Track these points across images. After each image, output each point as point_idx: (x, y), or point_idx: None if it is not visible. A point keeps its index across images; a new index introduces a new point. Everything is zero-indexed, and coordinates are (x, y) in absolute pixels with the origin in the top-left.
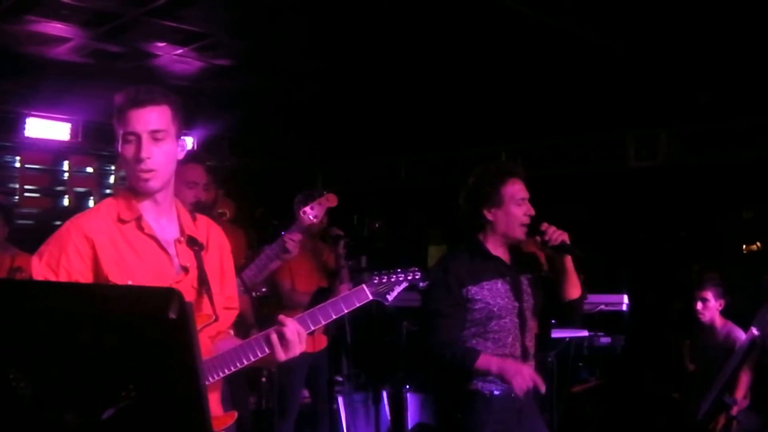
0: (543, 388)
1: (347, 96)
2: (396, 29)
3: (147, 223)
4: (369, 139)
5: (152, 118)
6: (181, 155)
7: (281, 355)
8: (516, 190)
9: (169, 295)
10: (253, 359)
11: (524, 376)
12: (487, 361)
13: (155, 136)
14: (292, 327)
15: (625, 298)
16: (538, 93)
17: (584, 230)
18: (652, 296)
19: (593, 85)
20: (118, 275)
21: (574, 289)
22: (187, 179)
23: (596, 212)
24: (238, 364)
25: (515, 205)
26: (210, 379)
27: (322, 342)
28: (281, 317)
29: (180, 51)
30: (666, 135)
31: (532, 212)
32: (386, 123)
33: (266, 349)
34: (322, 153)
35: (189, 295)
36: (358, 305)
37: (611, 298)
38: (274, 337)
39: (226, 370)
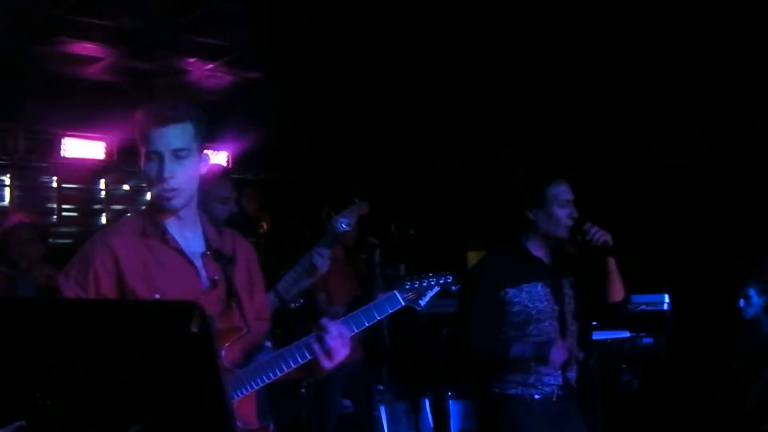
0: (580, 356)
1: (378, 103)
2: (426, 34)
3: (171, 237)
4: (402, 145)
5: (174, 136)
6: (204, 169)
7: (325, 362)
8: (561, 191)
9: (190, 308)
10: (293, 366)
11: (559, 348)
12: (521, 348)
13: (178, 154)
14: (333, 331)
15: (666, 297)
16: (570, 92)
17: (622, 229)
18: (693, 294)
19: (622, 81)
20: (146, 289)
21: (617, 292)
22: (219, 195)
23: (632, 211)
24: (278, 372)
25: (559, 206)
26: (243, 391)
27: (359, 351)
28: (323, 321)
29: (210, 66)
30: (697, 130)
31: (576, 215)
32: (419, 128)
33: (307, 356)
34: (355, 162)
35: (218, 308)
36: (390, 311)
37: (652, 297)
38: (317, 346)
39: (260, 381)
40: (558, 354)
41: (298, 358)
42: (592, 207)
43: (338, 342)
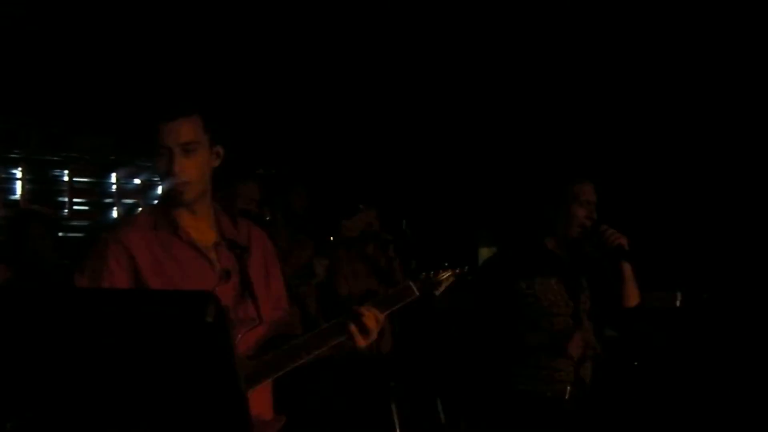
0: (599, 350)
1: (390, 101)
2: (440, 29)
3: (184, 231)
4: (414, 141)
5: (182, 131)
6: (216, 163)
7: (361, 341)
8: (584, 191)
9: (205, 298)
10: (326, 346)
11: (577, 341)
12: (536, 336)
13: (186, 148)
14: (368, 313)
15: (679, 295)
16: (581, 87)
17: (635, 224)
18: (707, 291)
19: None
20: (159, 284)
21: (630, 298)
22: (243, 195)
23: (645, 205)
24: (310, 354)
25: (579, 206)
26: (260, 381)
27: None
28: (355, 307)
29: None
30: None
31: (595, 216)
32: (431, 124)
33: (341, 337)
34: (366, 157)
35: (232, 299)
36: (404, 302)
37: (664, 295)
38: (353, 325)
39: (284, 368)
40: (575, 347)
41: (331, 339)
42: (604, 199)
43: (374, 322)
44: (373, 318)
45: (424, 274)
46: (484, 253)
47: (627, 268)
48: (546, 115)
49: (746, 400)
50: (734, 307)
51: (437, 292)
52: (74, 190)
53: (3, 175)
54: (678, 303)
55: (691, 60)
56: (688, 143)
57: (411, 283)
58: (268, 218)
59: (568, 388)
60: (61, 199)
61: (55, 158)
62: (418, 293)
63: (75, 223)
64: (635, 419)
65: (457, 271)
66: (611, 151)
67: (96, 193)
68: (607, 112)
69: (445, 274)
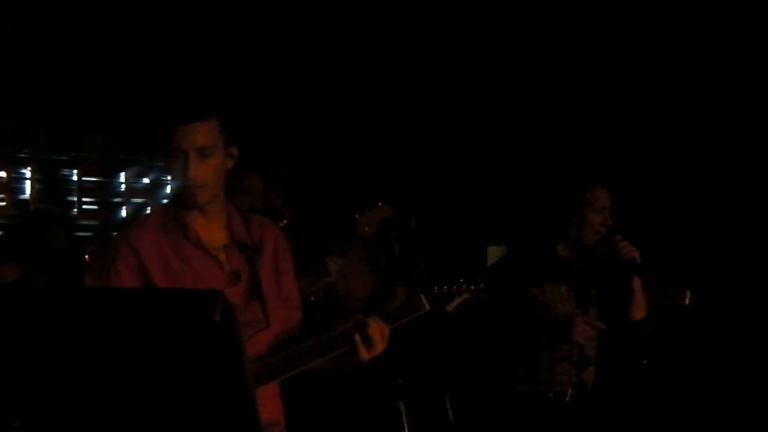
0: (604, 326)
1: (398, 97)
2: (454, 31)
3: (194, 232)
4: (423, 139)
5: (199, 135)
6: (230, 164)
7: (364, 354)
8: (598, 197)
9: (213, 297)
10: (328, 356)
11: (581, 325)
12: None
13: (203, 152)
14: (374, 325)
15: (688, 293)
16: (592, 89)
17: (644, 223)
18: (715, 290)
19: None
20: (167, 285)
21: (637, 311)
22: (243, 185)
23: (654, 203)
24: (311, 362)
25: (593, 212)
26: (264, 383)
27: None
28: (361, 318)
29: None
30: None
31: (610, 222)
32: (438, 122)
33: (344, 347)
34: (375, 155)
35: (241, 301)
36: (414, 315)
37: (673, 293)
38: (358, 336)
39: (287, 372)
40: (582, 332)
41: (335, 348)
42: (614, 198)
43: (379, 335)
44: (378, 330)
45: (437, 288)
46: (493, 251)
47: (637, 281)
48: (557, 116)
49: (755, 399)
50: (743, 305)
51: (449, 309)
52: (83, 189)
53: (12, 175)
54: (687, 301)
55: (701, 65)
56: (698, 141)
57: (422, 297)
58: (285, 221)
59: (569, 390)
60: (70, 198)
61: (64, 158)
62: (428, 308)
63: (84, 222)
64: (644, 418)
65: (472, 287)
66: (622, 149)
67: (105, 193)
68: (618, 112)
69: (459, 291)
